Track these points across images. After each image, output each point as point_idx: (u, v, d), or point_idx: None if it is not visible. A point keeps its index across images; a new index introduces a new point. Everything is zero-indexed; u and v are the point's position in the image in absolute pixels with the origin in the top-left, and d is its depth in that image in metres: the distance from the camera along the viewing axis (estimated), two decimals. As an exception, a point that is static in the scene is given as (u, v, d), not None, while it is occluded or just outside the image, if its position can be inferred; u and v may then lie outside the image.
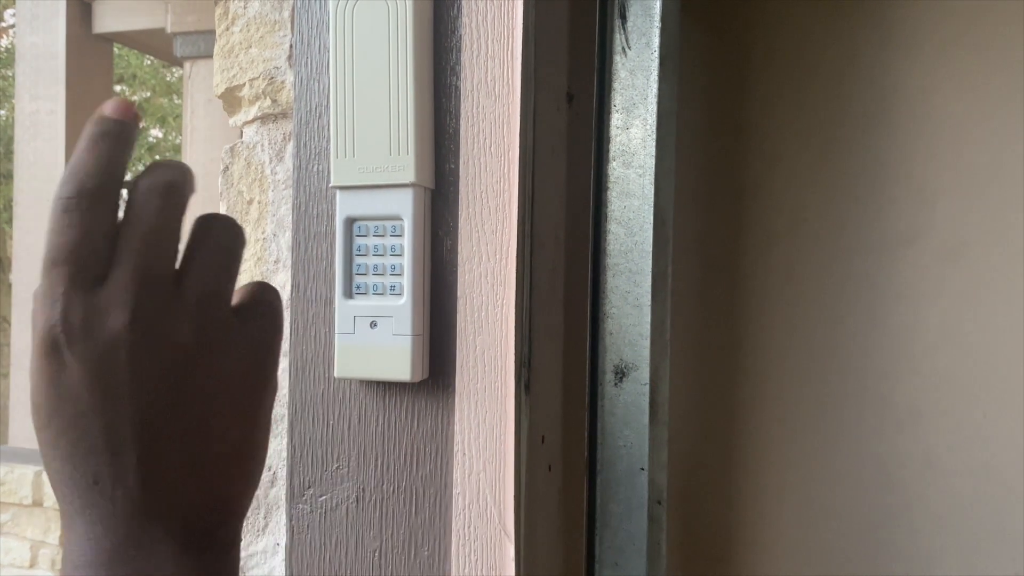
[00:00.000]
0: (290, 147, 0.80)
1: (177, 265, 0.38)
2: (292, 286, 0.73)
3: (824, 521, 0.85)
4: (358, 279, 0.68)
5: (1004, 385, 0.80)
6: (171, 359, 0.36)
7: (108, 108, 0.39)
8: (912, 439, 0.82)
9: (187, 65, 3.76)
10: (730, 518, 0.88)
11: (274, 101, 0.80)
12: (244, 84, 0.81)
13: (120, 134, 0.38)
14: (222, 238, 0.40)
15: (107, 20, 4.00)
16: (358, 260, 0.68)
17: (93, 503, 0.36)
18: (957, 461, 0.81)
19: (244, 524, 0.80)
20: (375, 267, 0.67)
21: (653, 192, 0.69)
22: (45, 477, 3.98)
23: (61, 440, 0.36)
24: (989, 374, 0.80)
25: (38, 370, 0.36)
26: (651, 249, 0.69)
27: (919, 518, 0.82)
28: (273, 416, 0.45)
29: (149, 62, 8.62)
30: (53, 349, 0.35)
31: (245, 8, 0.81)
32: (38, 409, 0.36)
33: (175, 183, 0.38)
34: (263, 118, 0.81)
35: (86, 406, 0.35)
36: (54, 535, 4.06)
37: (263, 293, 0.41)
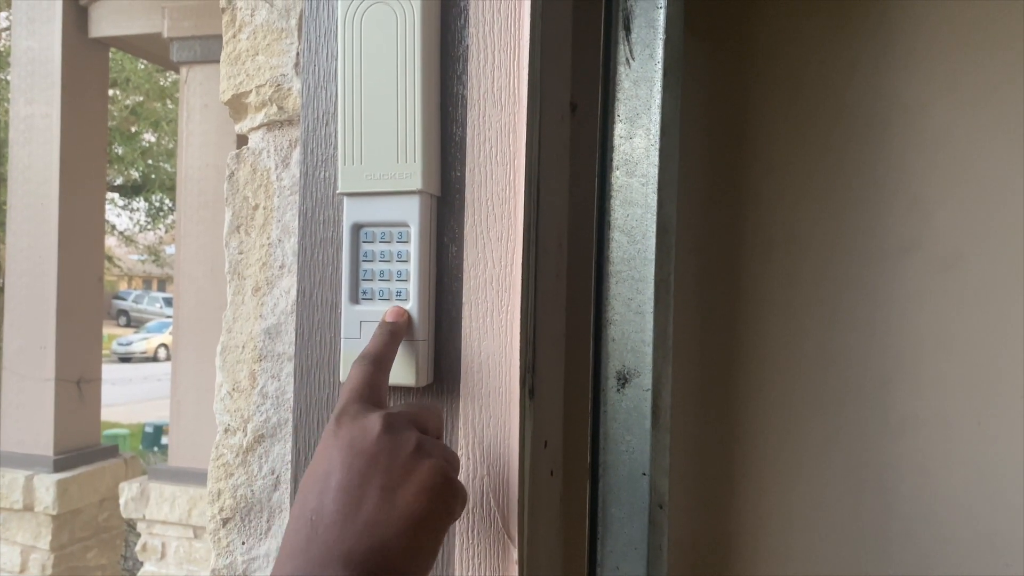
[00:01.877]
0: (296, 153, 0.81)
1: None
2: (298, 291, 0.74)
3: (823, 525, 0.86)
4: (364, 284, 0.68)
5: (1000, 392, 0.81)
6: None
7: (392, 316, 0.65)
8: (909, 445, 0.84)
9: (183, 70, 3.76)
10: (730, 522, 0.89)
11: (280, 108, 0.81)
12: (251, 91, 0.82)
13: (396, 335, 0.64)
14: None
15: (103, 24, 4.00)
16: (364, 266, 0.68)
17: (304, 531, 0.51)
18: (953, 467, 0.82)
19: (247, 528, 0.81)
20: (381, 273, 0.68)
21: (656, 201, 0.70)
22: (36, 482, 3.97)
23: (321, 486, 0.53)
24: (985, 381, 0.81)
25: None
26: (654, 257, 0.70)
27: (915, 523, 0.83)
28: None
29: (142, 66, 8.60)
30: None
31: (252, 16, 0.82)
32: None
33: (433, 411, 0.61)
34: (269, 125, 0.82)
35: (333, 467, 0.53)
36: (44, 540, 4.04)
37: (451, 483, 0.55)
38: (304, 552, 0.50)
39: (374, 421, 0.55)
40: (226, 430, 0.83)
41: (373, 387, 0.59)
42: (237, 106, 0.84)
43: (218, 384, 0.83)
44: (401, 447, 0.54)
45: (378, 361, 0.61)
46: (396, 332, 0.64)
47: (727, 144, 0.89)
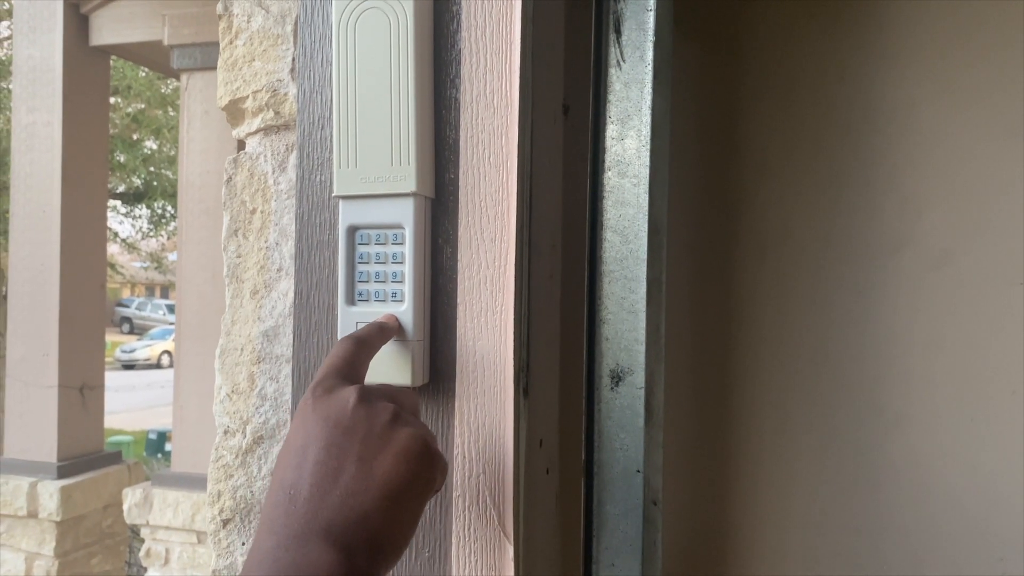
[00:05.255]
0: (292, 158, 0.81)
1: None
2: (295, 293, 0.74)
3: (816, 522, 0.87)
4: (360, 286, 0.69)
5: (991, 388, 0.81)
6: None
7: (384, 318, 0.66)
8: (901, 442, 0.84)
9: (184, 77, 3.77)
10: (723, 519, 0.89)
11: (277, 113, 0.82)
12: (247, 96, 0.83)
13: (384, 331, 0.64)
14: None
15: (104, 32, 4.01)
16: (360, 268, 0.69)
17: (283, 506, 0.50)
18: (945, 464, 0.83)
19: (247, 529, 0.81)
20: (377, 274, 0.68)
21: (648, 201, 0.70)
22: (40, 488, 3.97)
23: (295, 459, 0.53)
24: (976, 378, 0.82)
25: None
26: (646, 256, 0.71)
27: (908, 519, 0.84)
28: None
29: (144, 74, 8.62)
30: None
31: (248, 22, 0.83)
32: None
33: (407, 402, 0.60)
34: (266, 129, 0.83)
35: (310, 441, 0.53)
36: (49, 546, 4.05)
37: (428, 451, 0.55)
38: (284, 527, 0.50)
39: (349, 393, 0.55)
40: (225, 432, 0.83)
41: (352, 364, 0.59)
42: (234, 111, 0.85)
43: (217, 386, 0.84)
44: (377, 417, 0.54)
45: (361, 342, 0.61)
46: (385, 328, 0.65)
47: (718, 144, 0.89)
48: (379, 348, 0.64)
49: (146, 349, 17.74)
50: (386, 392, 0.58)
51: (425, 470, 0.54)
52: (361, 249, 0.69)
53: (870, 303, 0.85)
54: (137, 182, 10.48)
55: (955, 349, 0.82)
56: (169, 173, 10.17)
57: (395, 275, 0.67)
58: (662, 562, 0.74)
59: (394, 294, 0.67)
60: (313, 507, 0.50)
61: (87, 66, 4.09)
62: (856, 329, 0.85)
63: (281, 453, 0.55)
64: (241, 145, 0.86)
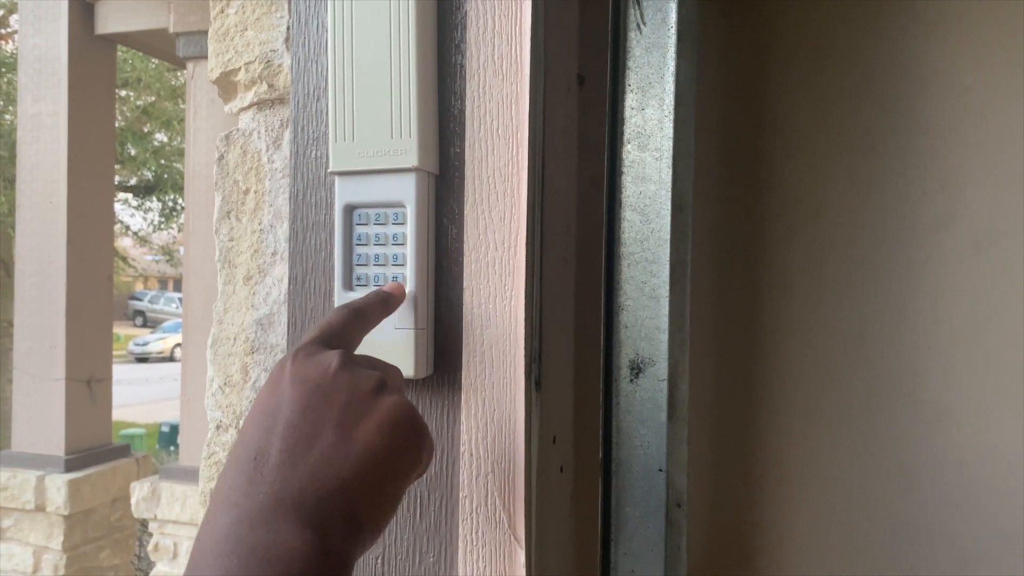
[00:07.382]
0: (287, 134, 0.77)
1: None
2: (289, 279, 0.70)
3: (851, 524, 0.82)
4: (358, 270, 0.65)
5: (1041, 380, 0.76)
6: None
7: (390, 287, 0.61)
8: (943, 438, 0.79)
9: (190, 66, 3.75)
10: (753, 521, 0.85)
11: (271, 86, 0.77)
12: (240, 68, 0.78)
13: (388, 302, 0.60)
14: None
15: (109, 21, 4.00)
16: (358, 250, 0.65)
17: (246, 473, 0.45)
18: (992, 461, 0.78)
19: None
20: (376, 257, 0.65)
21: (671, 176, 0.66)
22: (48, 482, 3.97)
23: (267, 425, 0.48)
24: (1025, 368, 0.77)
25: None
26: (668, 237, 0.67)
27: (951, 521, 0.79)
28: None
29: (154, 65, 8.62)
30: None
31: (240, -11, 0.78)
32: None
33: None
34: (259, 104, 0.78)
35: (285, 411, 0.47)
36: (56, 540, 4.05)
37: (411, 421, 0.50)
38: (247, 497, 0.43)
39: (331, 356, 0.50)
40: (218, 427, 0.79)
41: (341, 335, 0.54)
42: (226, 85, 0.80)
43: (209, 378, 0.80)
44: (361, 383, 0.49)
45: (357, 313, 0.56)
46: (389, 300, 0.60)
47: (746, 115, 0.85)
48: (379, 321, 0.59)
49: (159, 342, 17.92)
50: (372, 362, 0.54)
51: (411, 444, 0.49)
52: (359, 230, 0.65)
53: (909, 287, 0.80)
54: (148, 175, 10.51)
55: (1002, 336, 0.78)
56: (179, 165, 10.19)
57: (396, 258, 0.64)
58: (687, 568, 0.69)
59: (395, 278, 0.64)
60: (283, 475, 0.44)
61: (93, 55, 4.08)
62: (894, 315, 0.80)
63: (247, 419, 0.49)
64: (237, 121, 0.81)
